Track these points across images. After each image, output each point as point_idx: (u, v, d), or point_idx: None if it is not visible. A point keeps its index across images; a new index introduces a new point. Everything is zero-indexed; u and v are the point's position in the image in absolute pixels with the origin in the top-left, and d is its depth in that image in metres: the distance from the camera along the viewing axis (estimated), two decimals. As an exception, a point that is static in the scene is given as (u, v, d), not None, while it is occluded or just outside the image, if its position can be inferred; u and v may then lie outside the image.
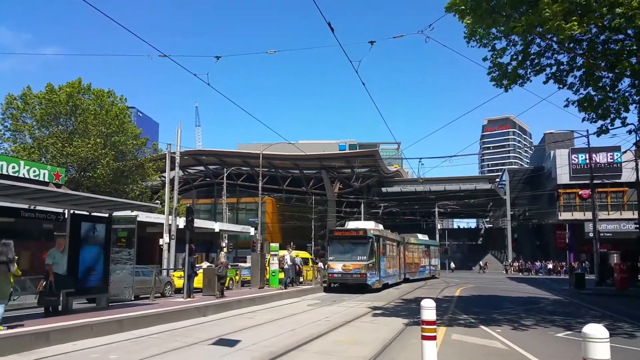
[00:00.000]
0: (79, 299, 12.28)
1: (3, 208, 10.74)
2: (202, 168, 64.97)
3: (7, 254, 9.07)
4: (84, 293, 12.21)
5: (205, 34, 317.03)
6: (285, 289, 21.64)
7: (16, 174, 20.20)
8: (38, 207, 11.65)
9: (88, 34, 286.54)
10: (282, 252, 25.57)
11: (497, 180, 70.47)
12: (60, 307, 11.52)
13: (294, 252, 25.76)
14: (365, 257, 24.14)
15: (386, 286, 26.40)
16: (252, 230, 41.14)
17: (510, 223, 61.38)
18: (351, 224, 28.81)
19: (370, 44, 13.56)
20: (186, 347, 8.85)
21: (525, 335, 10.31)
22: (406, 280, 33.46)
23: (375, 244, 25.27)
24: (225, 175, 49.82)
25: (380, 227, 29.85)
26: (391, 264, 29.42)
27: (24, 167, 21.06)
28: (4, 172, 19.55)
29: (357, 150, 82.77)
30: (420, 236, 41.07)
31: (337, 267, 24.07)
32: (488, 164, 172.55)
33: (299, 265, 24.42)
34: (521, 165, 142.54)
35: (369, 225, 27.93)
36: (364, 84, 14.48)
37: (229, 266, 20.54)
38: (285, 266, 22.75)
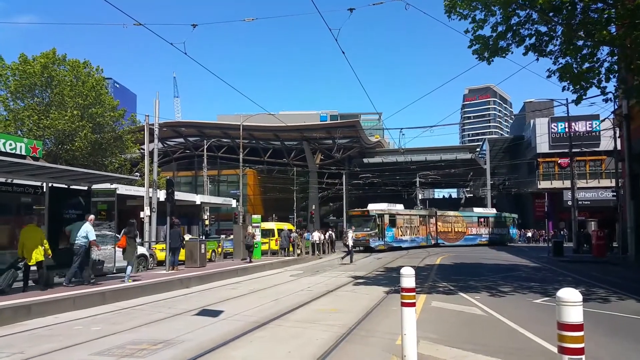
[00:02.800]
0: (60, 272, 12.17)
1: (-23, 182, 10.50)
2: (181, 140, 64.18)
3: (133, 231, 13.21)
4: (64, 266, 12.09)
5: (182, 1, 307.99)
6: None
7: (-9, 148, 19.65)
8: (15, 181, 11.42)
9: (62, 2, 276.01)
10: (279, 225, 29.76)
11: (478, 150, 71.20)
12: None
13: (285, 225, 27.39)
14: (368, 229, 35.26)
15: (393, 249, 32.16)
16: (233, 203, 41.03)
17: (490, 192, 62.43)
18: (370, 206, 38.41)
19: (349, 11, 13.33)
20: (170, 317, 8.90)
21: (503, 302, 10.61)
22: (437, 245, 41.94)
23: (379, 219, 35.94)
24: (205, 147, 49.24)
25: (398, 207, 39.84)
26: (404, 233, 39.17)
27: (0, 140, 20.49)
28: (-22, 146, 18.97)
29: (338, 121, 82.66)
30: (478, 210, 49.32)
31: (351, 235, 30.04)
32: (469, 134, 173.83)
33: (292, 238, 26.99)
34: (501, 134, 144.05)
35: (380, 206, 38.17)
36: (343, 53, 14.30)
37: (256, 237, 23.30)
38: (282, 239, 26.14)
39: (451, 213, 46.45)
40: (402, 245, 38.14)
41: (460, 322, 8.42)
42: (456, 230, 44.84)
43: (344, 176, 63.52)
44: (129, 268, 12.93)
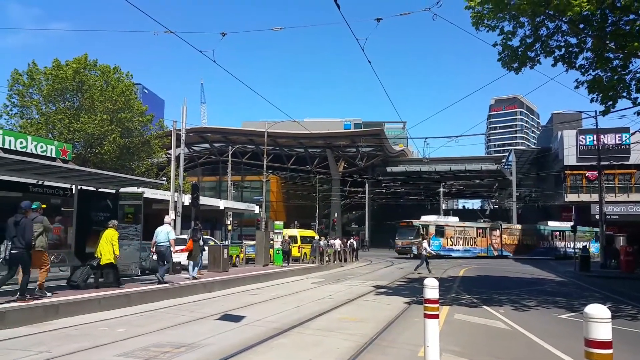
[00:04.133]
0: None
1: (12, 183, 10.83)
2: (207, 145, 65.04)
3: (198, 235, 15.22)
4: (92, 268, 12.34)
5: (212, 10, 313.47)
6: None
7: (24, 150, 20.26)
8: (46, 183, 11.74)
9: (96, 9, 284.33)
10: (302, 232, 31.63)
11: (504, 160, 70.08)
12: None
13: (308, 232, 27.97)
14: (412, 238, 39.97)
15: (440, 257, 33.40)
16: (256, 209, 41.34)
17: (515, 204, 61.29)
18: (423, 217, 43.85)
19: (376, 21, 13.35)
20: (193, 321, 9.00)
21: (527, 316, 10.40)
22: (501, 257, 43.93)
23: (422, 230, 40.66)
24: (230, 153, 49.83)
25: (451, 219, 45.75)
26: (455, 243, 43.13)
27: (32, 143, 21.10)
28: (12, 148, 19.61)
29: (363, 129, 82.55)
30: (553, 223, 49.00)
31: (399, 243, 39.81)
32: (495, 144, 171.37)
33: (322, 247, 27.99)
34: (528, 145, 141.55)
35: (430, 218, 44.13)
36: (369, 62, 14.33)
37: (289, 243, 24.95)
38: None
39: (518, 226, 48.14)
40: (452, 255, 41.57)
41: (483, 335, 8.30)
42: (525, 243, 46.17)
43: (366, 184, 63.37)
44: (194, 267, 14.84)
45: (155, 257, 13.90)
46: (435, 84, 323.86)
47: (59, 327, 8.05)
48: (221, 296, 13.10)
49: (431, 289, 5.74)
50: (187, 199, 26.29)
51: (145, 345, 6.83)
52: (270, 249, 23.71)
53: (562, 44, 13.50)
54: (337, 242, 31.06)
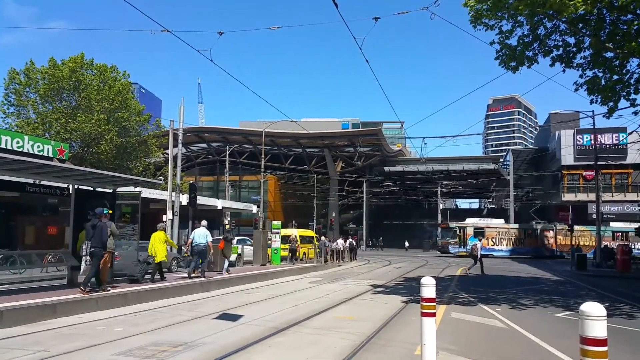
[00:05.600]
0: (84, 273, 12.41)
1: (8, 182, 10.82)
2: (204, 145, 64.95)
3: (230, 236, 17.99)
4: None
5: (209, 9, 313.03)
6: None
7: (20, 149, 20.18)
8: (43, 182, 11.73)
9: (92, 8, 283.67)
10: (302, 232, 31.32)
11: (501, 160, 70.20)
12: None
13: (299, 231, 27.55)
14: (449, 238, 45.52)
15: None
16: (254, 208, 41.30)
17: (513, 204, 61.44)
18: (467, 219, 47.79)
19: (374, 20, 13.36)
20: (190, 320, 9.01)
21: (524, 315, 10.44)
22: (554, 257, 44.17)
23: (459, 231, 44.98)
24: (227, 152, 49.83)
25: (495, 221, 48.01)
26: (496, 243, 45.14)
27: (28, 142, 21.02)
28: (9, 147, 19.54)
29: (360, 129, 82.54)
30: (616, 224, 47.92)
31: (440, 243, 44.11)
32: (492, 144, 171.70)
33: (329, 247, 28.89)
34: (526, 145, 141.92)
35: (472, 220, 47.54)
36: (367, 61, 14.31)
37: (296, 242, 26.16)
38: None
39: (575, 227, 47.29)
40: (494, 255, 43.09)
41: (480, 334, 8.32)
42: (581, 243, 45.78)
43: (364, 184, 63.40)
44: (227, 263, 16.88)
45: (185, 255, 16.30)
46: (433, 84, 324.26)
47: (56, 327, 8.05)
48: (218, 295, 13.10)
49: (428, 288, 5.76)
50: (184, 199, 26.25)
51: (143, 344, 6.84)
52: (268, 249, 23.72)
53: (560, 43, 13.54)
54: (340, 242, 31.27)
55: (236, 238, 23.69)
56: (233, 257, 20.28)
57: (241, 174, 64.32)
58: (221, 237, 18.31)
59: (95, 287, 10.85)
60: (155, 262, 13.63)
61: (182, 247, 18.71)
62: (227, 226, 38.67)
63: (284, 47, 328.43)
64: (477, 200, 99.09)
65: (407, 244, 64.12)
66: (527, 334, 8.15)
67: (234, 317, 9.28)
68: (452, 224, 47.64)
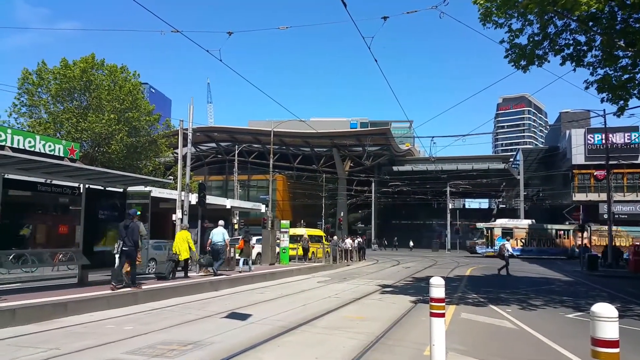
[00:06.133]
0: (94, 272, 12.54)
1: (21, 182, 10.93)
2: (213, 145, 65.20)
3: (249, 236, 18.66)
4: (99, 266, 12.48)
5: (218, 10, 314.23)
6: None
7: (32, 149, 20.44)
8: (54, 182, 11.83)
9: (103, 9, 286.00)
10: (310, 231, 31.98)
11: (511, 160, 69.76)
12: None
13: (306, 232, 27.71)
14: (476, 239, 47.21)
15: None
16: (263, 208, 41.42)
17: (523, 203, 60.99)
18: (498, 220, 48.47)
19: (383, 20, 13.33)
20: (199, 319, 9.05)
21: (534, 315, 10.36)
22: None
23: (486, 231, 45.82)
24: (236, 152, 49.98)
25: (525, 221, 47.74)
26: (527, 243, 45.20)
27: (40, 142, 21.29)
28: (21, 147, 19.79)
29: (369, 129, 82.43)
30: None
31: (468, 243, 46.19)
32: (502, 144, 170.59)
33: (342, 247, 29.47)
34: (536, 145, 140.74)
35: (501, 221, 47.76)
36: (376, 61, 14.29)
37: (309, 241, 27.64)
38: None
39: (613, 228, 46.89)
40: (523, 255, 42.94)
41: (489, 334, 8.28)
42: (619, 244, 45.65)
43: (373, 184, 63.28)
44: (243, 261, 17.74)
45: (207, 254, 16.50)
46: (442, 83, 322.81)
47: (67, 325, 8.12)
48: (228, 295, 13.15)
49: (437, 288, 5.73)
50: (193, 198, 26.36)
51: (153, 342, 6.88)
52: (277, 248, 23.77)
53: (571, 42, 13.41)
54: (348, 241, 31.35)
55: (254, 238, 23.91)
56: (253, 256, 20.94)
57: (250, 174, 64.51)
58: (240, 237, 19.26)
59: (125, 284, 11.38)
60: (180, 260, 14.29)
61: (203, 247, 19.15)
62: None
63: (293, 47, 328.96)
64: (486, 200, 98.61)
65: (411, 243, 63.92)
66: (537, 335, 8.09)
67: (243, 316, 9.31)
68: (480, 225, 47.99)
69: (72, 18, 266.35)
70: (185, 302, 11.24)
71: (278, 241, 24.08)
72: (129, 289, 11.17)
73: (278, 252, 23.81)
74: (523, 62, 13.56)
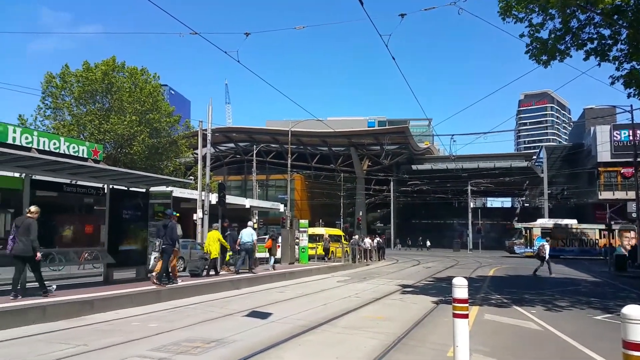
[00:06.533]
0: (119, 270, 12.74)
1: (47, 182, 11.16)
2: (232, 145, 65.65)
3: (275, 235, 20.11)
4: (124, 265, 12.69)
5: (235, 11, 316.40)
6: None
7: (57, 150, 20.81)
8: (79, 182, 12.06)
9: (123, 12, 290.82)
10: (329, 230, 32.44)
11: (534, 157, 68.53)
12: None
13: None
14: (514, 239, 46.44)
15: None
16: (281, 207, 41.51)
17: (547, 202, 59.93)
18: (539, 220, 47.27)
19: (400, 17, 13.21)
20: (221, 317, 9.13)
21: (560, 317, 10.16)
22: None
23: (524, 231, 45.13)
24: (254, 152, 50.19)
25: (570, 221, 45.75)
26: (568, 244, 44.78)
27: (64, 144, 21.65)
28: (46, 149, 20.19)
29: (387, 127, 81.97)
30: None
31: (507, 243, 45.05)
32: (524, 141, 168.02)
33: (361, 246, 29.41)
34: (559, 142, 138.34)
35: (541, 221, 46.61)
36: (394, 59, 14.16)
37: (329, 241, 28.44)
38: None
39: None
40: (563, 256, 42.03)
41: (514, 336, 8.16)
42: None
43: (391, 183, 62.92)
44: (273, 260, 18.86)
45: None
46: (461, 80, 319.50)
47: (94, 322, 8.28)
48: (248, 293, 13.23)
49: (460, 288, 5.67)
50: (213, 198, 26.61)
51: (177, 340, 6.96)
52: (296, 247, 23.83)
53: (595, 36, 13.11)
54: (367, 241, 31.25)
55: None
56: (279, 254, 21.51)
57: (268, 173, 64.77)
58: (268, 236, 19.99)
59: (166, 281, 12.08)
60: (211, 258, 15.04)
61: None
62: (255, 225, 39.39)
63: (309, 47, 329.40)
64: (509, 199, 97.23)
65: (428, 243, 63.25)
66: (563, 337, 7.93)
67: (263, 315, 9.35)
68: (518, 225, 47.62)
69: (94, 22, 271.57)
70: (206, 301, 11.34)
71: (297, 240, 24.14)
72: (173, 284, 12.04)
73: (297, 252, 23.87)
74: (544, 57, 13.31)
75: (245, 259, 16.63)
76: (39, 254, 9.14)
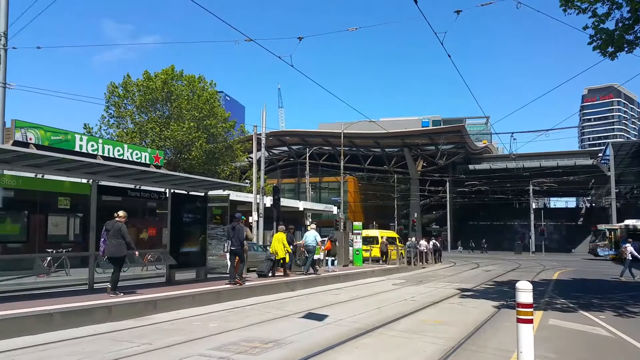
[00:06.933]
0: (180, 271, 13.22)
1: (112, 188, 11.77)
2: (285, 148, 66.57)
3: (335, 237, 20.33)
4: (185, 266, 13.16)
5: (289, 16, 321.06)
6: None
7: (121, 157, 21.91)
8: (142, 187, 12.63)
9: (182, 22, 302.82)
10: (383, 233, 31.22)
11: (600, 155, 64.88)
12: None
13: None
14: (597, 241, 46.06)
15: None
16: (334, 209, 41.69)
17: (615, 202, 56.50)
18: (626, 221, 44.19)
19: (456, 14, 12.90)
20: (278, 318, 9.25)
21: (633, 323, 9.54)
22: None
23: (608, 233, 43.96)
24: (307, 155, 50.69)
25: None
26: None
27: (127, 151, 22.68)
28: (111, 155, 21.31)
29: (442, 127, 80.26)
30: None
31: (591, 246, 44.52)
32: (589, 138, 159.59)
33: (420, 248, 29.40)
34: (628, 138, 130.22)
35: (631, 222, 42.86)
36: (449, 56, 13.84)
37: (387, 244, 26.95)
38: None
39: None
40: None
41: (581, 342, 7.74)
42: None
43: (447, 183, 61.54)
44: (332, 261, 19.40)
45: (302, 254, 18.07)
46: (521, 76, 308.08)
47: (157, 322, 8.62)
48: (303, 295, 13.34)
49: (525, 293, 5.45)
50: (268, 201, 27.13)
51: (236, 340, 7.12)
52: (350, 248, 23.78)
53: (669, 23, 12.20)
54: (423, 243, 30.73)
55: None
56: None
57: (321, 176, 65.11)
58: (327, 238, 20.35)
59: (240, 279, 12.81)
60: (277, 259, 15.47)
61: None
62: (309, 228, 39.73)
63: (363, 48, 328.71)
64: (573, 199, 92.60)
65: (472, 244, 61.13)
66: (636, 344, 7.43)
67: (319, 317, 9.39)
68: (602, 226, 46.39)
69: (154, 32, 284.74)
70: (263, 302, 11.54)
71: (351, 243, 24.08)
72: (238, 285, 12.53)
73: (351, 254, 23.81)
74: (610, 49, 12.53)
75: (310, 260, 17.17)
76: (136, 252, 10.50)
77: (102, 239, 9.96)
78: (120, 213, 10.12)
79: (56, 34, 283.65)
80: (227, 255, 13.50)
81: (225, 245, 13.48)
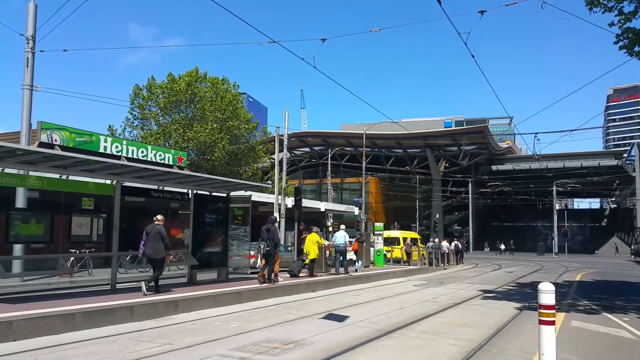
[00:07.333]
0: (202, 272, 13.40)
1: (136, 188, 11.96)
2: (307, 149, 66.73)
3: (362, 238, 21.06)
4: (206, 266, 13.33)
5: (311, 18, 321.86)
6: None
7: (145, 158, 22.33)
8: (165, 188, 12.84)
9: (205, 24, 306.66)
10: (405, 234, 31.02)
11: (625, 155, 63.29)
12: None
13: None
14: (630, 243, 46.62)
15: None
16: (356, 210, 41.57)
17: (640, 203, 55.05)
18: None
19: (480, 14, 12.77)
20: (299, 319, 9.31)
21: (660, 327, 9.31)
22: None
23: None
24: (329, 155, 50.69)
25: None
26: None
27: (151, 152, 23.17)
28: (135, 157, 21.70)
29: (465, 127, 79.41)
30: None
31: (632, 247, 44.78)
32: (614, 138, 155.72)
33: (443, 249, 29.54)
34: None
35: None
36: (473, 56, 13.72)
37: (411, 245, 27.40)
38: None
39: None
40: None
41: (605, 344, 7.60)
42: None
43: (470, 184, 60.82)
44: (359, 263, 19.78)
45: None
46: (545, 76, 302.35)
47: (178, 322, 8.74)
48: (324, 296, 13.37)
49: (547, 294, 5.39)
50: (289, 202, 27.24)
51: (256, 340, 7.20)
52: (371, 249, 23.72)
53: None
54: (445, 244, 30.53)
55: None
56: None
57: (343, 177, 65.10)
58: (354, 239, 20.55)
59: (276, 280, 13.44)
60: (310, 259, 15.80)
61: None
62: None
63: (385, 49, 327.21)
64: (597, 200, 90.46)
65: (502, 246, 60.02)
66: (665, 349, 7.26)
67: (339, 318, 9.41)
68: None
69: (178, 35, 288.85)
70: (284, 302, 11.61)
71: (373, 243, 24.02)
72: (270, 284, 12.98)
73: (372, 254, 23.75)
74: (637, 48, 12.24)
75: (339, 260, 17.40)
76: (171, 255, 11.08)
77: (142, 242, 10.50)
78: (159, 217, 10.69)
79: (83, 38, 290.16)
80: (259, 255, 14.18)
81: (261, 247, 13.94)
